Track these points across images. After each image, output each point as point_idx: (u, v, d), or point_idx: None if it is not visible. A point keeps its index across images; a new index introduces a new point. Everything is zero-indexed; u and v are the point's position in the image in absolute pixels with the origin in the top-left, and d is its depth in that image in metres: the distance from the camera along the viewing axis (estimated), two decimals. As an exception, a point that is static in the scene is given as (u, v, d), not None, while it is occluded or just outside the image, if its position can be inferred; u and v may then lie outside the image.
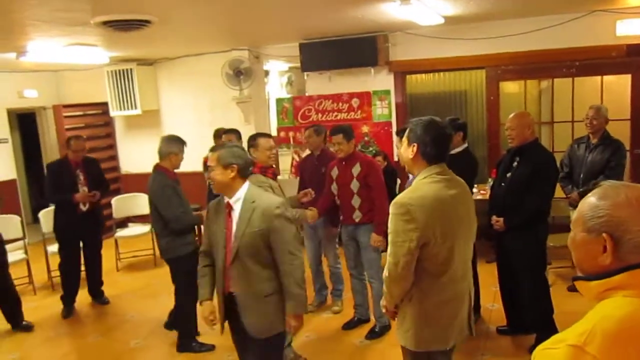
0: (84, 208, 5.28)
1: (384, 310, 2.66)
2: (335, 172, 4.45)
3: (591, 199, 1.27)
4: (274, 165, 4.07)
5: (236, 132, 5.27)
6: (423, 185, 2.40)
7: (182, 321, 4.45)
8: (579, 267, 1.31)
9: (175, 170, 4.33)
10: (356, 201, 4.29)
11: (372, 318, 4.59)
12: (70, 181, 5.23)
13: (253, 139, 4.06)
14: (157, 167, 4.25)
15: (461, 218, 2.47)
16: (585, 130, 4.93)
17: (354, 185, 4.27)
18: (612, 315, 1.15)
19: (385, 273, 2.44)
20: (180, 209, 4.12)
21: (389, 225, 2.38)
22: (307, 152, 5.45)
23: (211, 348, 4.40)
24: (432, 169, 2.42)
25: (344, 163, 4.36)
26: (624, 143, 4.85)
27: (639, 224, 1.19)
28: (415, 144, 2.42)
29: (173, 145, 4.24)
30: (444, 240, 2.36)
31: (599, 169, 4.69)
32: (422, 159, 2.43)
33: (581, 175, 4.80)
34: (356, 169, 4.28)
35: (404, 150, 2.52)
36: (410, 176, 3.21)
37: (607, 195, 1.25)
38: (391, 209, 2.37)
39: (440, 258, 2.38)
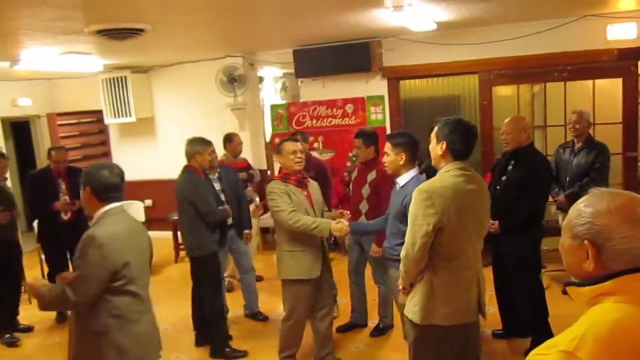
0: (65, 217, 5.24)
1: (400, 288, 2.85)
2: (354, 174, 4.56)
3: (578, 205, 1.30)
4: (300, 169, 3.82)
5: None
6: (446, 176, 2.65)
7: (214, 323, 4.45)
8: (570, 272, 1.33)
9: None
10: (364, 206, 4.33)
11: (369, 323, 4.68)
12: (51, 191, 5.21)
13: (280, 143, 3.97)
14: (186, 167, 4.44)
15: (476, 211, 2.69)
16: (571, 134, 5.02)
17: (365, 190, 4.32)
18: (602, 320, 1.18)
19: (403, 253, 2.67)
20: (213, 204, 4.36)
21: (410, 209, 2.63)
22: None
23: (244, 354, 4.42)
24: (456, 164, 2.66)
25: (363, 167, 4.45)
26: (607, 146, 4.92)
27: (620, 232, 1.21)
28: (444, 142, 2.66)
29: (197, 146, 4.44)
30: (458, 228, 2.59)
31: (584, 171, 4.78)
32: (450, 155, 2.67)
33: (567, 179, 4.88)
34: (371, 176, 4.31)
35: (432, 147, 2.74)
36: (397, 184, 3.26)
37: (590, 202, 1.28)
38: (415, 195, 2.62)
39: (453, 244, 2.62)
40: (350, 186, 4.60)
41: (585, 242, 1.25)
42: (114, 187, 2.63)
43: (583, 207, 1.28)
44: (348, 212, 3.96)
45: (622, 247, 1.21)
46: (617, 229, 1.22)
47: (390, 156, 3.29)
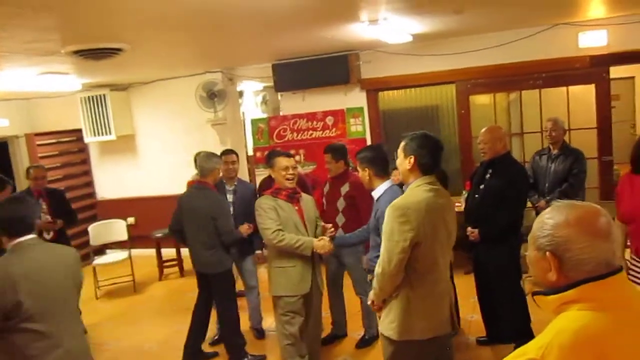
0: (47, 237, 5.19)
1: (369, 303, 2.89)
2: (326, 188, 4.57)
3: (541, 218, 1.36)
4: (292, 186, 3.75)
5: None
6: (417, 191, 2.68)
7: (230, 336, 4.46)
8: (538, 282, 1.38)
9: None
10: (340, 219, 4.36)
11: (354, 335, 4.67)
12: None
13: (272, 156, 3.88)
14: (201, 183, 4.39)
15: (446, 225, 2.75)
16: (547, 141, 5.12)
17: (340, 203, 4.35)
18: (567, 328, 1.22)
19: (378, 270, 2.68)
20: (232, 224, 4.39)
21: (384, 226, 2.64)
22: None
23: (262, 358, 4.47)
24: (425, 179, 2.72)
25: (334, 180, 4.47)
26: (583, 152, 5.02)
27: (579, 243, 1.27)
28: (413, 156, 2.71)
29: (214, 162, 4.40)
30: (432, 243, 2.64)
31: (562, 177, 4.87)
32: (418, 169, 2.72)
33: (546, 185, 4.95)
34: (344, 188, 4.35)
35: (400, 162, 2.78)
36: (375, 194, 3.28)
37: (551, 215, 1.33)
38: (388, 212, 2.63)
39: (428, 258, 2.66)
40: (324, 201, 4.57)
41: (547, 253, 1.30)
42: (19, 220, 2.56)
43: (545, 220, 1.34)
44: (331, 226, 3.87)
45: (581, 257, 1.27)
46: (576, 240, 1.27)
47: (360, 172, 3.34)
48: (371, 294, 2.84)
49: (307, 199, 3.91)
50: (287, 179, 3.71)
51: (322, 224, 3.90)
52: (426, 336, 2.71)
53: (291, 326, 3.78)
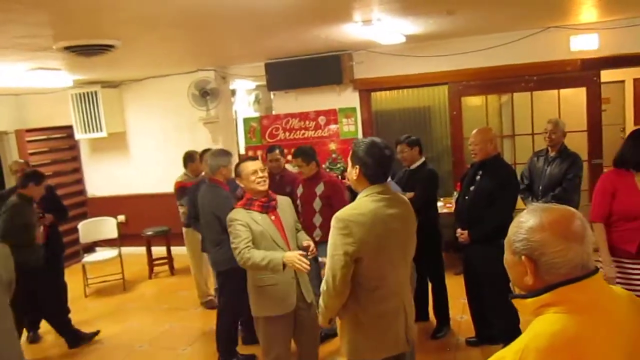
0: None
1: (319, 323, 2.75)
2: (300, 190, 4.56)
3: (516, 221, 1.36)
4: (264, 189, 3.39)
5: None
6: (364, 202, 2.53)
7: (223, 334, 4.41)
8: (516, 285, 1.39)
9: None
10: (317, 219, 4.38)
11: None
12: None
13: (237, 165, 3.58)
14: (210, 180, 4.38)
15: (398, 237, 2.57)
16: (544, 143, 5.09)
17: (316, 203, 4.37)
18: (543, 332, 1.24)
19: (323, 287, 2.53)
20: None
21: (329, 238, 2.50)
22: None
23: (252, 357, 4.42)
24: (374, 188, 2.54)
25: (308, 182, 4.48)
26: (580, 156, 5.00)
27: (553, 247, 1.28)
28: (358, 166, 2.54)
29: (221, 159, 4.36)
30: (378, 257, 2.48)
31: (557, 180, 4.82)
32: (365, 179, 2.55)
33: (540, 187, 4.93)
34: (319, 188, 4.38)
35: (349, 172, 2.64)
36: None
37: (526, 219, 1.34)
38: (332, 223, 2.50)
39: (374, 273, 2.50)
40: (298, 202, 4.55)
41: (523, 257, 1.31)
42: None
43: (519, 224, 1.34)
44: (313, 247, 3.41)
45: (556, 260, 1.28)
46: (550, 244, 1.28)
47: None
48: (319, 316, 2.69)
49: (283, 204, 3.54)
50: (258, 183, 3.36)
51: (304, 242, 3.46)
52: (377, 357, 2.59)
53: (275, 349, 3.42)
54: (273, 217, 3.40)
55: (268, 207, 3.40)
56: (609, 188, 3.47)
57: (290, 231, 3.46)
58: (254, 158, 3.62)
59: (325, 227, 4.19)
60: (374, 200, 2.52)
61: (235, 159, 4.56)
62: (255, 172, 3.37)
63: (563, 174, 4.79)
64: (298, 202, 4.54)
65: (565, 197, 4.64)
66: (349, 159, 2.63)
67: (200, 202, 4.39)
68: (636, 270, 3.42)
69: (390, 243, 2.52)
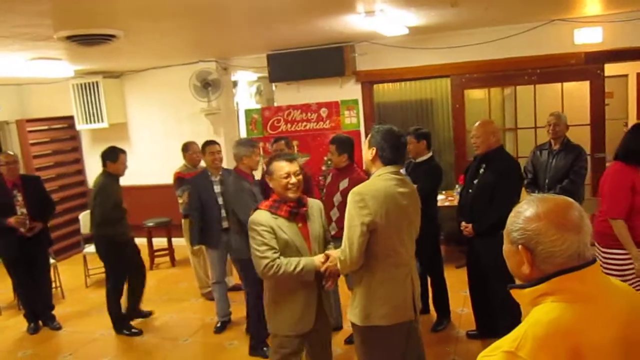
0: (24, 230, 4.96)
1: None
2: (328, 180, 4.53)
3: (514, 212, 1.37)
4: (295, 196, 2.98)
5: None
6: (378, 180, 2.79)
7: (255, 323, 4.38)
8: (514, 275, 1.40)
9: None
10: (334, 214, 4.33)
11: (345, 325, 4.60)
12: (4, 202, 4.93)
13: (269, 161, 3.13)
14: (234, 170, 4.43)
15: (406, 213, 2.83)
16: (546, 136, 5.08)
17: (336, 198, 4.31)
18: (540, 320, 1.24)
19: (341, 257, 2.75)
20: None
21: (346, 214, 2.74)
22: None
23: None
24: (387, 169, 2.80)
25: (337, 173, 4.42)
26: (584, 148, 4.99)
27: (549, 236, 1.29)
28: (374, 148, 2.81)
29: (242, 148, 4.35)
30: (390, 228, 2.72)
31: (563, 173, 4.83)
32: (380, 160, 2.82)
33: (546, 181, 4.92)
34: (343, 184, 4.29)
35: (364, 152, 2.89)
36: None
37: (523, 209, 1.35)
38: (349, 197, 2.73)
39: (386, 243, 2.74)
40: (324, 191, 4.58)
41: (520, 247, 1.32)
42: None
43: (517, 214, 1.35)
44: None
45: (552, 250, 1.28)
46: (546, 233, 1.29)
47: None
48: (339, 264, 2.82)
49: (313, 209, 3.11)
50: (289, 189, 2.93)
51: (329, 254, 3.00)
52: (388, 322, 2.77)
53: None
54: (300, 225, 3.01)
55: (297, 215, 2.99)
56: (627, 183, 3.44)
57: (317, 242, 3.05)
58: (292, 157, 3.03)
59: (341, 223, 4.17)
60: (386, 179, 2.77)
61: (259, 150, 4.61)
62: (288, 175, 2.93)
63: (569, 167, 4.80)
64: (324, 190, 4.55)
65: (573, 189, 4.64)
66: (366, 141, 2.88)
67: (225, 191, 4.51)
68: None
69: (400, 218, 2.77)
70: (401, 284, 2.81)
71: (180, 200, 5.64)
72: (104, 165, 4.95)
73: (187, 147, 5.77)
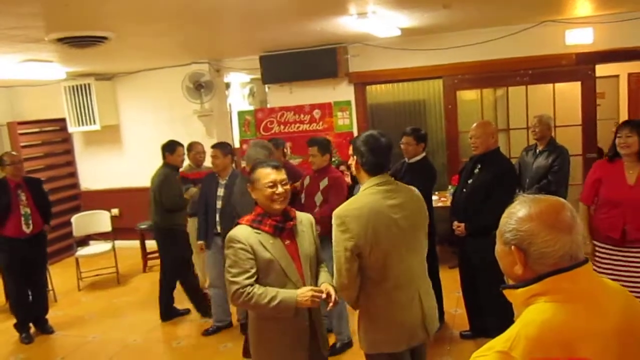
0: (27, 230, 4.96)
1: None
2: (307, 181, 4.53)
3: (507, 212, 1.38)
4: (280, 208, 2.61)
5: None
6: (362, 197, 2.56)
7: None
8: (507, 276, 1.41)
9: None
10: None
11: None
12: (8, 202, 4.89)
13: (252, 168, 2.75)
14: (242, 171, 4.51)
15: (400, 227, 2.54)
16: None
17: (318, 197, 4.33)
18: (533, 320, 1.25)
19: (334, 282, 2.59)
20: None
21: (332, 236, 2.53)
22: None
23: None
24: (373, 180, 2.56)
25: (316, 174, 4.44)
26: (567, 150, 5.04)
27: (541, 237, 1.29)
28: (355, 157, 2.61)
29: (254, 151, 4.25)
30: (380, 249, 2.48)
31: (543, 173, 4.89)
32: (363, 170, 2.59)
33: (527, 180, 4.98)
34: (323, 183, 4.34)
35: (351, 163, 2.69)
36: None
37: (516, 209, 1.36)
38: (332, 220, 2.51)
39: (378, 264, 2.50)
40: (303, 194, 4.51)
41: (513, 247, 1.33)
42: None
43: (510, 215, 1.36)
44: (333, 296, 2.57)
45: (544, 250, 1.29)
46: (538, 234, 1.30)
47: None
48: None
49: (303, 223, 2.71)
50: (274, 200, 2.54)
51: (322, 286, 2.62)
52: (396, 349, 2.57)
53: None
54: (287, 242, 2.60)
55: (282, 230, 2.58)
56: (595, 173, 3.71)
57: (307, 261, 2.64)
58: (277, 165, 2.62)
59: (324, 222, 4.19)
60: (372, 193, 2.53)
61: (279, 153, 4.70)
62: (274, 184, 2.54)
63: (549, 167, 4.87)
64: (303, 193, 4.49)
65: (550, 189, 4.68)
66: (350, 152, 2.69)
67: (231, 192, 4.49)
68: (620, 257, 3.55)
69: (393, 234, 2.51)
70: (406, 307, 2.56)
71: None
72: (164, 157, 5.22)
73: (191, 147, 5.81)
